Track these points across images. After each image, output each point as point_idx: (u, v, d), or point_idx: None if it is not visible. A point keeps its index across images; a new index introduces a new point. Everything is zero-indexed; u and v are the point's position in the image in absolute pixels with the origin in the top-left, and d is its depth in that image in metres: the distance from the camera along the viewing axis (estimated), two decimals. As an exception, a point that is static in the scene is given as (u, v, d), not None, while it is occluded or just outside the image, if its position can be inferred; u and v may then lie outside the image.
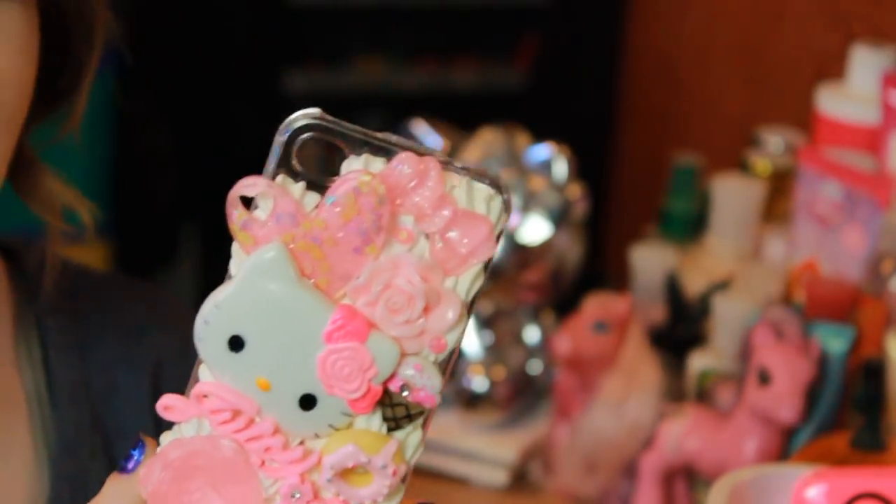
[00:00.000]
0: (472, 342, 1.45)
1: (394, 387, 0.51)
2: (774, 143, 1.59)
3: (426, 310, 0.50)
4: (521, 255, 1.43)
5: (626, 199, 2.83)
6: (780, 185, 1.51)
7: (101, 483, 0.69)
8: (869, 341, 1.16)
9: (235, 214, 0.51)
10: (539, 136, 1.47)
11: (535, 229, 1.43)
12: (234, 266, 0.51)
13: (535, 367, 1.46)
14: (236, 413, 0.52)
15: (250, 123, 2.89)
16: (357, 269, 0.51)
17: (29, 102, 0.69)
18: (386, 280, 0.50)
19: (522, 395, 1.44)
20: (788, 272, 1.34)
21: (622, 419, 1.27)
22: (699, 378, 1.27)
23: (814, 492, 0.83)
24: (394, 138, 0.52)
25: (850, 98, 1.41)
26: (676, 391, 1.29)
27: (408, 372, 0.51)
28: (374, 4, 3.03)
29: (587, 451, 1.28)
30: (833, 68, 1.61)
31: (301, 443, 0.52)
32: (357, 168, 0.51)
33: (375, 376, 0.51)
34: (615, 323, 1.29)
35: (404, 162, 0.51)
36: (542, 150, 1.45)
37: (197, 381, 0.53)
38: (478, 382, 1.42)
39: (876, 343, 1.16)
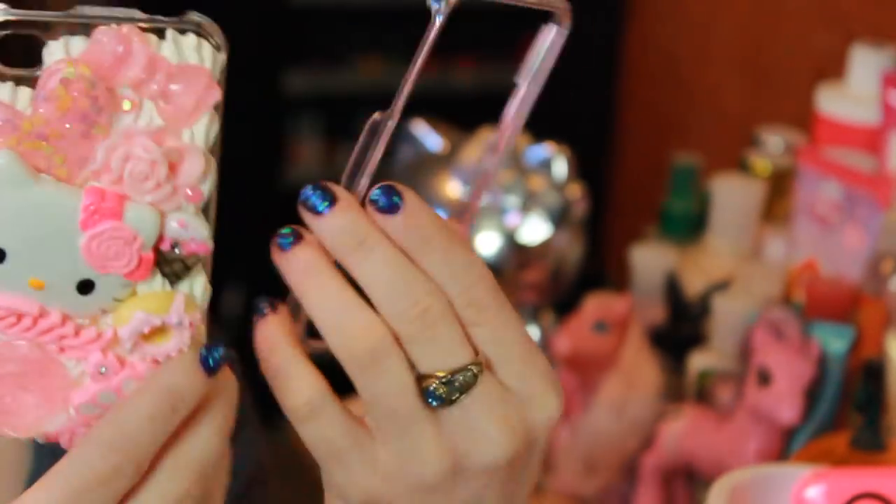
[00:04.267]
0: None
1: (165, 247, 0.52)
2: (774, 143, 1.59)
3: (172, 169, 0.51)
4: (520, 255, 1.43)
5: (626, 199, 2.83)
6: (780, 185, 1.51)
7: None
8: (869, 341, 1.16)
9: None
10: (539, 136, 1.47)
11: (535, 229, 1.43)
12: None
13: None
14: (20, 315, 0.53)
15: (250, 123, 2.89)
16: (91, 152, 0.51)
17: None
18: (123, 154, 0.51)
19: (522, 395, 1.44)
20: (788, 272, 1.34)
21: (622, 419, 1.27)
22: (699, 378, 1.27)
23: (814, 492, 0.83)
24: (88, 11, 0.52)
25: (850, 98, 1.41)
26: (676, 391, 1.29)
27: (173, 229, 0.52)
28: (374, 4, 3.03)
29: (587, 451, 1.28)
30: (833, 68, 1.61)
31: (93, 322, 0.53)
32: (58, 55, 0.51)
33: (142, 245, 0.52)
34: (615, 323, 1.29)
35: (104, 35, 0.51)
36: (542, 150, 1.45)
37: None
38: (478, 382, 1.42)
39: (876, 343, 1.16)
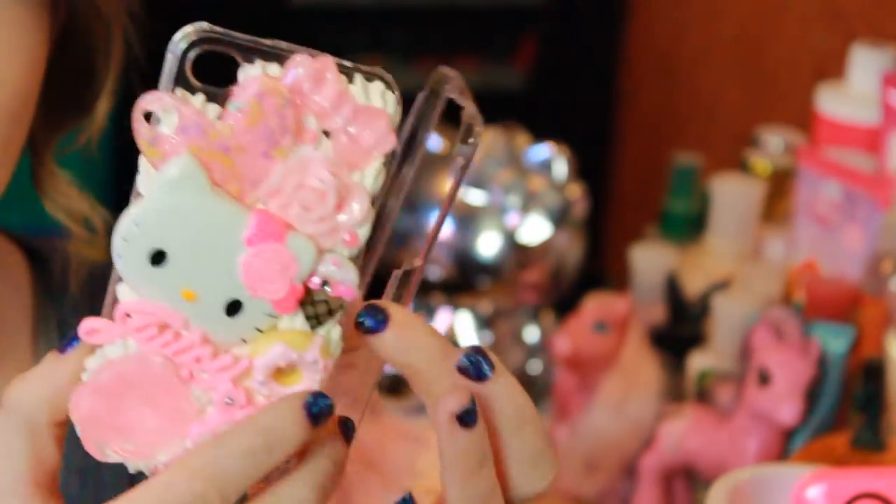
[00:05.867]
0: (472, 342, 1.45)
1: (314, 285, 0.52)
2: (774, 143, 1.59)
3: (337, 206, 0.52)
4: (521, 255, 1.43)
5: (626, 199, 2.83)
6: (780, 185, 1.51)
7: (113, 475, 0.69)
8: (869, 341, 1.16)
9: (144, 130, 0.51)
10: (539, 136, 1.47)
11: (535, 229, 1.43)
12: (142, 183, 0.52)
13: (535, 367, 1.46)
14: (163, 328, 0.52)
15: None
16: (265, 174, 0.52)
17: (32, 108, 0.70)
18: (297, 180, 0.51)
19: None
20: (788, 272, 1.34)
21: (622, 419, 1.27)
22: (699, 378, 1.27)
23: (814, 492, 0.83)
24: (283, 44, 0.53)
25: (850, 98, 1.41)
26: (676, 391, 1.29)
27: (327, 268, 0.52)
28: (374, 4, 3.03)
29: (587, 451, 1.28)
30: (833, 68, 1.61)
31: (226, 351, 0.53)
32: (256, 74, 0.52)
33: (297, 274, 0.52)
34: (615, 323, 1.29)
35: (301, 64, 0.52)
36: (542, 150, 1.45)
37: (115, 300, 0.53)
38: (478, 382, 1.42)
39: (876, 343, 1.16)
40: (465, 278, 1.45)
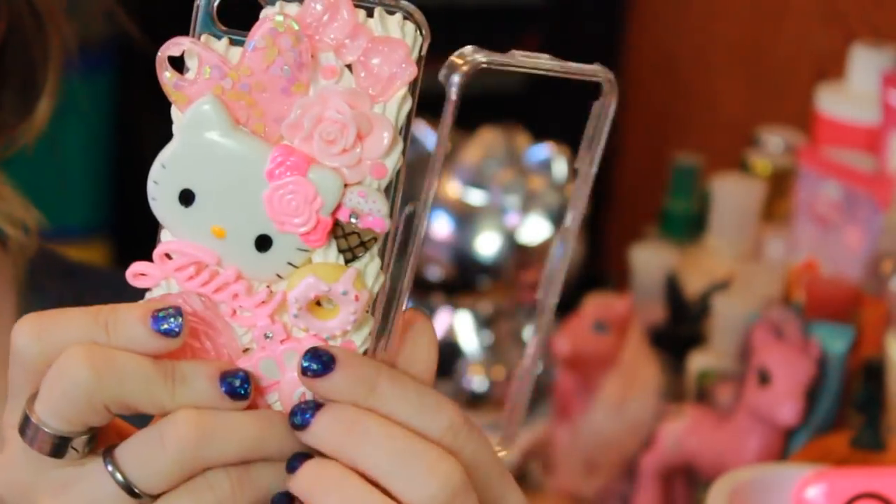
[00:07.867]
0: (472, 342, 1.45)
1: (343, 217, 0.53)
2: (774, 143, 1.59)
3: (360, 137, 0.52)
4: (521, 255, 1.43)
5: (626, 199, 2.83)
6: (780, 185, 1.51)
7: None
8: (869, 341, 1.16)
9: (166, 75, 0.52)
10: (539, 136, 1.47)
11: (535, 229, 1.43)
12: (175, 128, 0.53)
13: (535, 367, 1.46)
14: (199, 267, 0.53)
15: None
16: (288, 111, 0.53)
17: None
18: (317, 114, 0.52)
19: (522, 395, 1.44)
20: (788, 272, 1.34)
21: (622, 419, 1.27)
22: (699, 378, 1.27)
23: (814, 492, 0.83)
24: None
25: (849, 98, 1.41)
26: (676, 391, 1.29)
27: (353, 199, 0.53)
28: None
29: (587, 451, 1.28)
30: (833, 68, 1.61)
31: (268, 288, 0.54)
32: (271, 13, 0.53)
33: (321, 207, 0.52)
34: (615, 323, 1.29)
35: (315, 0, 0.53)
36: (542, 150, 1.45)
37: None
38: (477, 382, 1.42)
39: (876, 343, 1.16)
40: (464, 278, 1.45)
